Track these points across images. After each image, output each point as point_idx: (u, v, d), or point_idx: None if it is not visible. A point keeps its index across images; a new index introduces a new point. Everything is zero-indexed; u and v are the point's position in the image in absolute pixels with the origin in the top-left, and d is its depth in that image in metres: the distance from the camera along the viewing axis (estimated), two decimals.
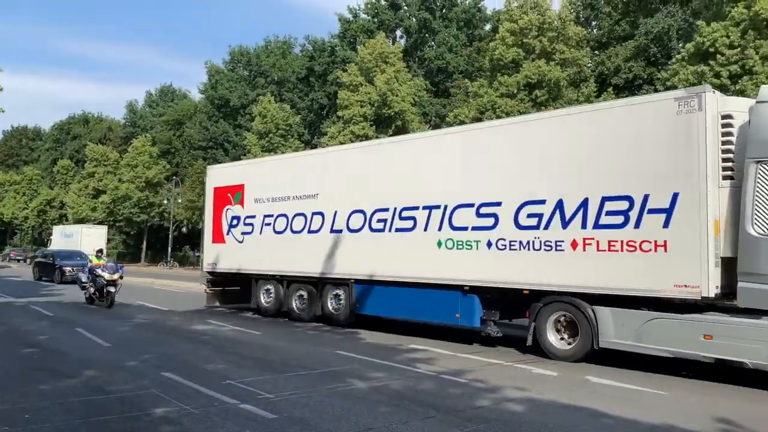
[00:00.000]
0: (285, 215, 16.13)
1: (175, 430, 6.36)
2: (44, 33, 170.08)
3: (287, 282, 16.33)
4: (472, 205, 12.20)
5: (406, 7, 54.57)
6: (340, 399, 7.77)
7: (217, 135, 61.67)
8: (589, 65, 39.81)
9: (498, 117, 32.30)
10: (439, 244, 12.58)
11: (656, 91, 31.96)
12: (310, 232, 15.43)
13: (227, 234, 17.85)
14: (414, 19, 54.16)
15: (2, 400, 7.29)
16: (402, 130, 38.87)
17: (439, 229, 12.59)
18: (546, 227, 11.03)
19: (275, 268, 16.46)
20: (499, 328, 12.60)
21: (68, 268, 29.06)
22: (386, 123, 38.70)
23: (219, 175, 19.06)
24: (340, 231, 14.63)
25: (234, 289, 18.49)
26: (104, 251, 20.97)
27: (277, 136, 48.72)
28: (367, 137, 37.66)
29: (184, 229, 60.18)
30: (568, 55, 35.85)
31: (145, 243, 65.84)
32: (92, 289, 19.09)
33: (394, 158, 14.00)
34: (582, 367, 10.45)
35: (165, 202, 59.78)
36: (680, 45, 35.24)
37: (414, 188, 13.22)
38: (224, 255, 17.89)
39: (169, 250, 58.73)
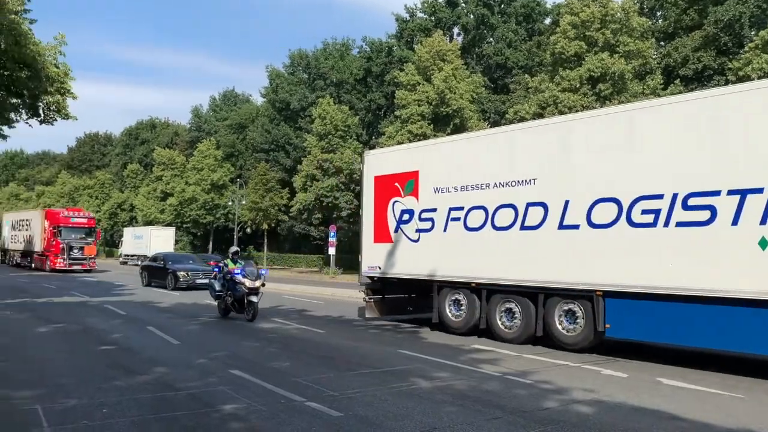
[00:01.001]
0: (482, 207, 13.04)
1: (243, 426, 6.49)
2: (113, 43, 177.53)
3: (487, 291, 13.11)
4: None
5: (463, 4, 54.13)
6: (404, 398, 7.76)
7: (278, 137, 62.77)
8: (654, 57, 38.51)
9: (560, 112, 31.71)
10: (764, 243, 9.20)
11: (728, 82, 30.65)
12: (523, 228, 12.24)
13: (395, 231, 15.02)
14: (471, 16, 53.66)
15: (81, 395, 7.62)
16: (460, 129, 38.57)
17: (762, 222, 9.19)
18: None
19: (469, 274, 13.32)
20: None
21: (182, 273, 26.39)
22: (444, 121, 38.47)
23: (381, 161, 16.01)
24: (576, 227, 11.37)
25: (399, 298, 16.07)
26: (239, 252, 17.92)
27: (336, 137, 49.17)
28: (425, 136, 37.56)
29: (248, 230, 61.50)
30: (633, 47, 34.77)
31: (211, 244, 67.65)
32: (230, 299, 16.27)
33: (670, 124, 10.36)
34: (653, 369, 10.12)
35: (230, 203, 61.28)
36: (753, 33, 33.66)
37: (708, 165, 9.78)
38: (391, 257, 15.10)
39: None
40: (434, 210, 14.07)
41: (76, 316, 16.36)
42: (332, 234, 42.68)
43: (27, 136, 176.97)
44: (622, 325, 10.90)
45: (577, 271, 11.30)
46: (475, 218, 13.20)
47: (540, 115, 32.43)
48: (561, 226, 11.62)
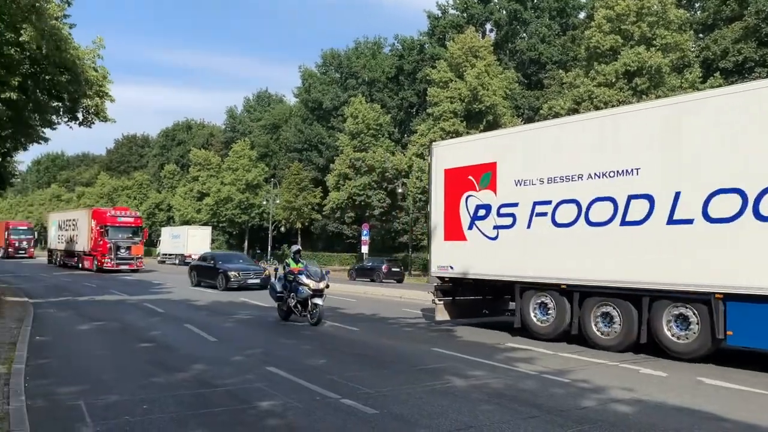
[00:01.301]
0: (574, 201, 11.94)
1: (279, 423, 6.55)
2: (149, 46, 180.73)
3: (580, 294, 12.04)
4: None
5: (496, 0, 53.72)
6: (439, 396, 7.74)
7: (311, 137, 63.27)
8: (693, 49, 37.65)
9: (596, 108, 31.24)
10: None
11: None
12: (624, 223, 11.09)
13: (469, 228, 14.00)
14: (504, 11, 53.22)
15: (122, 391, 7.78)
16: (493, 125, 38.28)
17: None
18: None
19: (558, 275, 12.25)
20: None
21: (233, 273, 25.48)
22: (477, 118, 38.23)
23: (452, 152, 14.94)
24: (689, 221, 10.22)
25: (471, 300, 15.10)
26: (301, 251, 16.67)
27: (368, 136, 49.29)
28: (457, 133, 37.39)
29: (282, 229, 62.13)
30: (670, 40, 34.05)
31: (246, 243, 68.48)
32: (293, 301, 15.17)
33: None
34: (693, 368, 9.90)
35: (264, 203, 61.97)
36: None
37: None
38: (465, 256, 14.06)
39: (269, 248, 60.88)
40: (515, 205, 12.98)
41: (116, 313, 16.71)
42: (365, 232, 42.83)
43: (67, 138, 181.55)
44: (748, 332, 9.63)
45: (691, 271, 10.16)
46: (566, 213, 12.09)
47: (575, 111, 31.99)
48: (670, 221, 10.48)
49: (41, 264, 49.73)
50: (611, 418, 6.90)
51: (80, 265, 41.58)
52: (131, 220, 40.85)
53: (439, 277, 14.93)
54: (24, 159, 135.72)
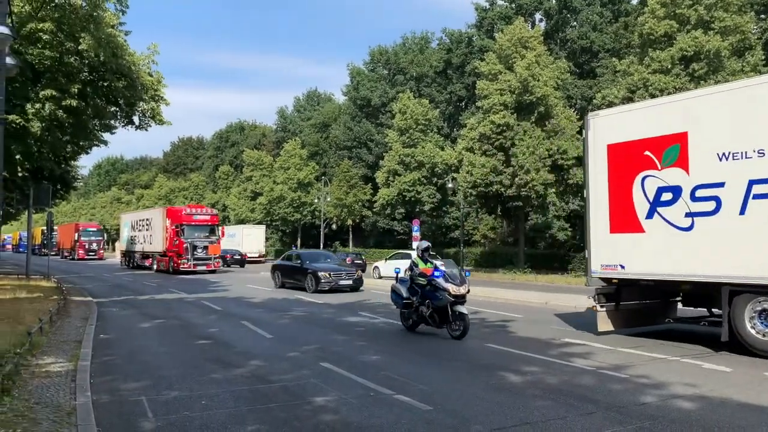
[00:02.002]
0: None
1: (334, 418, 6.60)
2: (201, 49, 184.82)
3: None
4: None
5: None
6: (493, 392, 7.66)
7: (360, 134, 63.60)
8: (754, 31, 36.06)
9: (651, 96, 30.32)
10: None
11: None
12: None
13: (648, 217, 11.43)
14: (554, 0, 52.21)
15: (182, 387, 7.99)
16: (545, 117, 37.63)
17: None
18: None
19: None
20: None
21: (324, 273, 23.26)
22: (528, 110, 37.60)
23: (619, 123, 12.23)
24: None
25: (640, 305, 12.60)
26: (430, 248, 13.71)
27: (416, 131, 49.16)
28: (508, 126, 36.89)
29: (333, 226, 62.70)
30: (729, 23, 32.69)
31: (299, 240, 69.35)
32: (425, 309, 12.65)
33: None
34: (759, 363, 9.51)
35: (315, 201, 62.65)
36: None
37: None
38: (643, 251, 11.53)
39: (321, 246, 61.51)
40: (720, 185, 10.35)
41: (175, 311, 17.18)
42: (415, 228, 42.74)
43: (125, 142, 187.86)
44: None
45: None
46: None
47: (630, 100, 31.12)
48: None
49: (112, 265, 50.32)
50: (672, 414, 6.70)
51: (154, 267, 40.05)
52: (207, 217, 38.67)
53: (603, 279, 12.36)
54: (85, 163, 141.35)
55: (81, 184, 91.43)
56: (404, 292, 13.29)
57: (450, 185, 44.52)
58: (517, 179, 35.77)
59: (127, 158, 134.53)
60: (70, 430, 5.98)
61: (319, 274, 23.21)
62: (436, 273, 12.50)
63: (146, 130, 20.99)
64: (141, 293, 23.60)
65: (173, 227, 37.11)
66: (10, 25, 12.81)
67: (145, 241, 42.28)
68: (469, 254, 45.80)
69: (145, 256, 42.48)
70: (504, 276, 35.45)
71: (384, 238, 63.56)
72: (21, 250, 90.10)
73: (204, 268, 36.79)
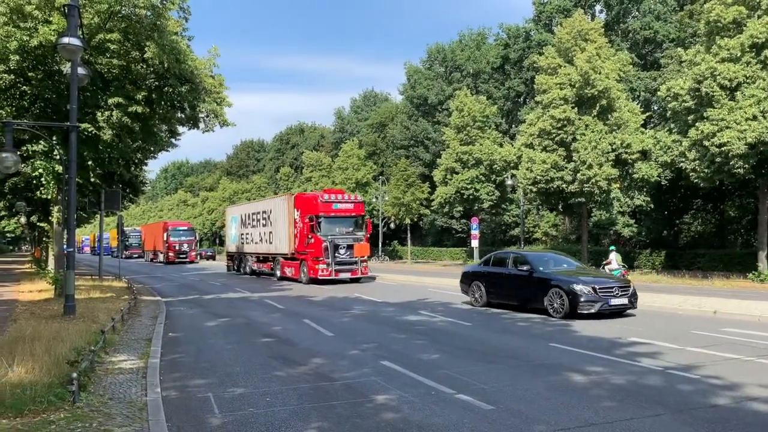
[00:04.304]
0: None
1: (396, 417, 6.63)
2: (260, 53, 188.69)
3: None
4: None
5: None
6: (557, 392, 7.52)
7: (417, 133, 63.53)
8: None
9: (720, 86, 29.12)
10: None
11: None
12: None
13: None
14: None
15: (247, 384, 8.19)
16: (607, 110, 36.64)
17: None
18: None
19: None
20: None
21: (583, 288, 14.60)
22: (589, 103, 36.67)
23: None
24: None
25: None
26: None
27: (474, 128, 48.71)
28: (569, 120, 36.12)
29: (392, 225, 62.86)
30: None
31: None
32: None
33: None
34: None
35: (374, 200, 62.97)
36: None
37: None
38: None
39: (380, 245, 61.82)
40: None
41: (240, 310, 17.60)
42: (474, 226, 42.41)
43: (190, 146, 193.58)
44: None
45: None
46: None
47: (696, 90, 29.96)
48: None
49: (218, 271, 40.66)
50: (747, 417, 6.42)
51: (277, 273, 30.78)
52: (351, 206, 28.64)
53: None
54: (153, 168, 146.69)
55: (149, 187, 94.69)
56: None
57: (509, 182, 43.93)
58: (579, 175, 34.96)
59: (192, 162, 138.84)
60: (142, 424, 6.22)
61: (576, 289, 14.66)
62: None
63: (212, 131, 21.53)
64: (206, 293, 24.28)
65: (306, 220, 27.72)
66: (81, 36, 13.40)
67: (262, 240, 32.83)
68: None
69: (263, 259, 33.18)
70: None
71: (442, 237, 63.33)
72: (98, 251, 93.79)
73: (348, 275, 27.42)
